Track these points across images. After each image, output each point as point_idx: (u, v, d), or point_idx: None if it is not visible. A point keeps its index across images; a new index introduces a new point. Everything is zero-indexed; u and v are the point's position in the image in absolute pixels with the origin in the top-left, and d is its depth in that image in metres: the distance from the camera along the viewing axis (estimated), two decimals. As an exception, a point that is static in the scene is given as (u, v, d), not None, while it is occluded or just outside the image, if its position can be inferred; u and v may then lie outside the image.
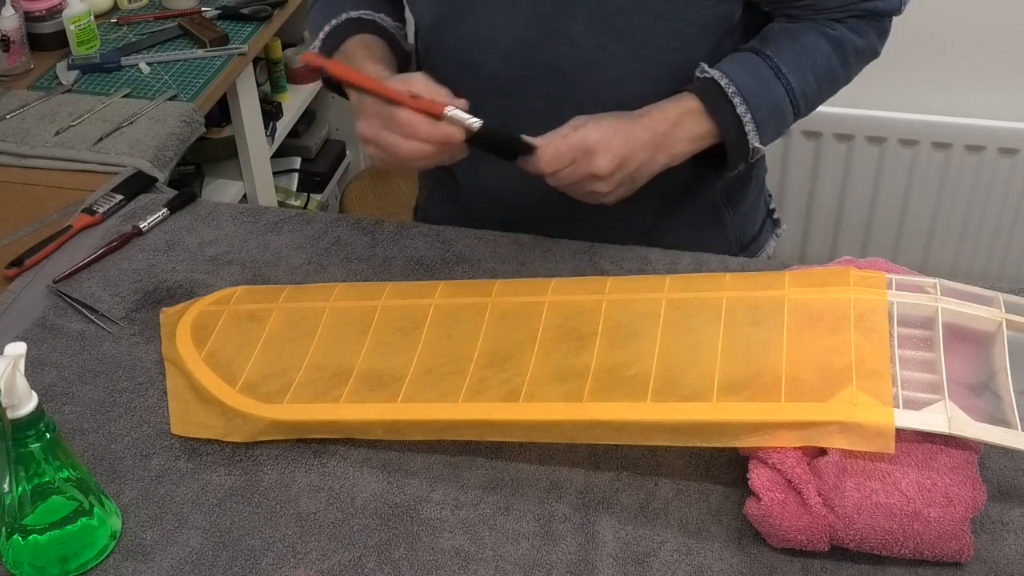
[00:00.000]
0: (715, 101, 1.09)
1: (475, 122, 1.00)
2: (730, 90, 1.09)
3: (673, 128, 1.08)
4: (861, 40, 1.14)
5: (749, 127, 1.10)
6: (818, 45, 1.12)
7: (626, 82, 1.10)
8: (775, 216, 1.36)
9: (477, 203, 1.26)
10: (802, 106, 1.14)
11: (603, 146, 1.03)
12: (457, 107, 1.00)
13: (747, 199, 1.29)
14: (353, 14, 1.19)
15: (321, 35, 1.18)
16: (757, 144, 1.11)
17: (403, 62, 1.20)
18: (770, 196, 1.37)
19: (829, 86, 1.15)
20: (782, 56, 1.11)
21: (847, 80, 1.17)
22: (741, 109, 1.09)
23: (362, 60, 1.11)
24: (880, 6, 1.12)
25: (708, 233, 1.26)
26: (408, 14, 1.24)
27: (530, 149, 1.03)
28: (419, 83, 1.01)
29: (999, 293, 0.92)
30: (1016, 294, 0.93)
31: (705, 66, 1.11)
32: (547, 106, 1.12)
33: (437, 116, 0.98)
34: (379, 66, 1.10)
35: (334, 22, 1.18)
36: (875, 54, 1.17)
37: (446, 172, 1.29)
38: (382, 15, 1.20)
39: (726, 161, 1.12)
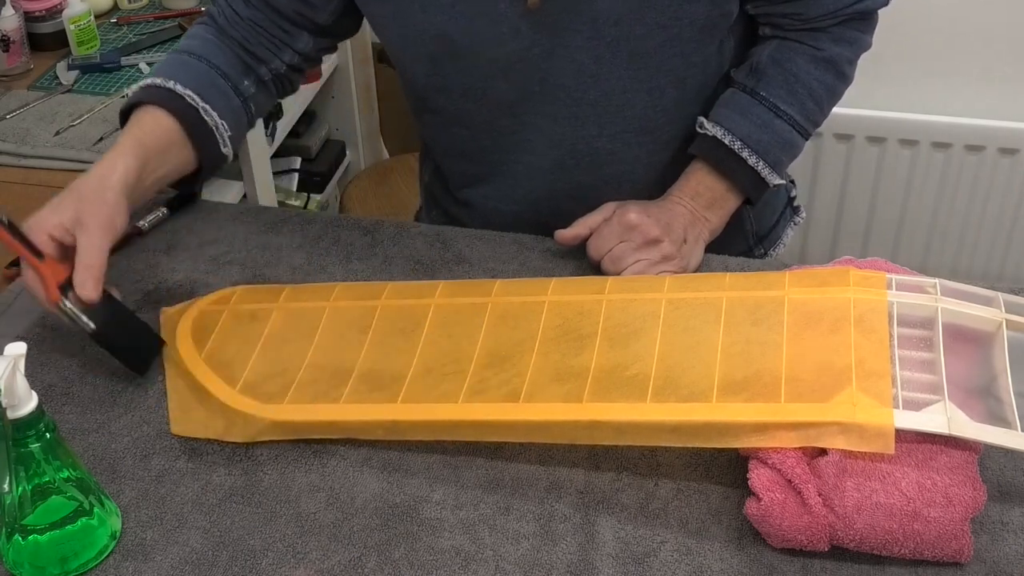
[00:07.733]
0: (724, 159, 1.12)
1: (88, 325, 0.97)
2: (735, 145, 1.12)
3: (694, 198, 1.13)
4: (851, 49, 1.15)
5: (765, 171, 1.13)
6: (810, 71, 1.13)
7: (629, 94, 1.11)
8: (795, 204, 1.35)
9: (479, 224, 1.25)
10: (810, 129, 1.16)
11: (644, 214, 1.08)
12: (85, 295, 0.95)
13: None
14: (178, 89, 1.09)
15: (134, 87, 1.09)
16: (776, 181, 1.15)
17: (211, 161, 1.13)
18: (792, 183, 1.34)
19: (831, 101, 1.17)
20: (776, 93, 1.13)
21: (848, 84, 1.18)
22: (752, 160, 1.12)
23: (125, 136, 1.05)
24: (868, 5, 1.12)
25: (724, 229, 1.19)
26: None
27: (155, 346, 1.01)
28: (84, 241, 0.97)
29: (999, 293, 0.91)
30: (1016, 294, 0.93)
31: (705, 121, 1.13)
32: (550, 124, 1.13)
33: (52, 301, 0.97)
34: (127, 157, 1.02)
35: (149, 82, 1.10)
36: (867, 47, 1.17)
37: (448, 197, 1.30)
38: (208, 107, 1.10)
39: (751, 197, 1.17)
